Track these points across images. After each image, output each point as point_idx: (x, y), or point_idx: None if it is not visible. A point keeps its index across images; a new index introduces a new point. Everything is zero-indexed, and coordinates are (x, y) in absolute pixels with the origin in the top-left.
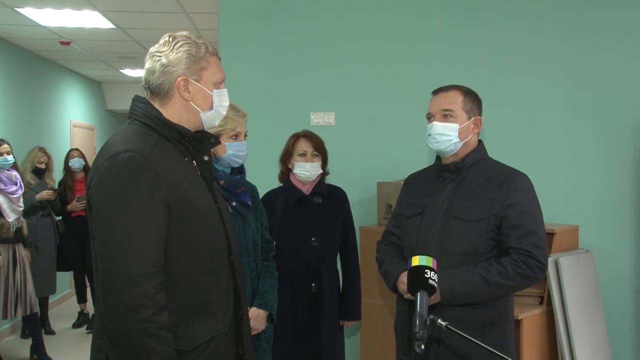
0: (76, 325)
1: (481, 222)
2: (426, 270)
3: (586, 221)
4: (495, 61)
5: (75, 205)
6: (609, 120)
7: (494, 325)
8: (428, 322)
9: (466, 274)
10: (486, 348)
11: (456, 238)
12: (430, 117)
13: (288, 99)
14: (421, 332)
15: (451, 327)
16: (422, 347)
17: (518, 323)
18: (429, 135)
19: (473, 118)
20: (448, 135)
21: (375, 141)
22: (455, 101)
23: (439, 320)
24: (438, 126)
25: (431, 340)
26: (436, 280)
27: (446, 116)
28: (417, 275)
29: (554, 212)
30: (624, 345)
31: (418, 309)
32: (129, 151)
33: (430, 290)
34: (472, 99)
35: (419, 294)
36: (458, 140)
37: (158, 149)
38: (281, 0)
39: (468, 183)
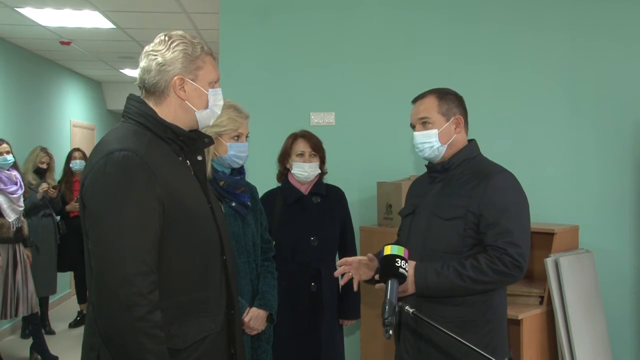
0: (73, 324)
1: (457, 220)
2: (397, 259)
3: (586, 221)
4: (496, 60)
5: (74, 206)
6: (609, 120)
7: (476, 323)
8: (397, 309)
9: (441, 267)
10: (461, 341)
11: (436, 236)
12: (413, 128)
13: (288, 98)
14: (390, 318)
15: (417, 314)
16: (390, 332)
17: (518, 323)
18: (414, 145)
19: (452, 118)
20: (429, 142)
21: (376, 141)
22: (430, 107)
23: (407, 307)
24: (418, 135)
25: (414, 335)
26: (407, 269)
27: (424, 124)
28: (388, 264)
29: (554, 212)
30: (624, 345)
31: (388, 296)
32: (123, 150)
33: (401, 278)
34: (449, 100)
35: (389, 281)
36: (440, 144)
37: (152, 148)
38: (281, 0)
39: (454, 182)
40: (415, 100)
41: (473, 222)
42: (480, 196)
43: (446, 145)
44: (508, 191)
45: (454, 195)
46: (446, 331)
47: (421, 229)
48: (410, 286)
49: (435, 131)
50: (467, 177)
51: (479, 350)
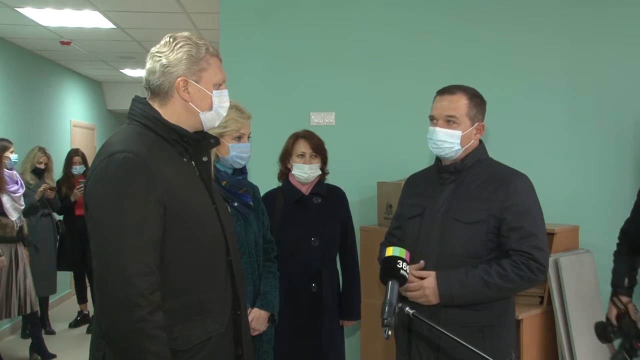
0: (73, 325)
1: (480, 224)
2: (398, 261)
3: (586, 221)
4: (496, 61)
5: (76, 194)
6: (609, 120)
7: (494, 328)
8: (396, 310)
9: (465, 276)
10: (473, 349)
11: (455, 240)
12: (433, 120)
13: (288, 98)
14: (389, 318)
15: (418, 315)
16: (389, 332)
17: (518, 323)
18: (430, 139)
19: (476, 124)
20: (450, 142)
21: (375, 141)
22: (460, 107)
23: (407, 309)
24: (440, 132)
25: (431, 345)
26: (407, 271)
27: (449, 122)
28: (390, 265)
29: (554, 212)
30: None
31: (388, 297)
32: (124, 151)
33: (402, 280)
34: (477, 103)
35: (390, 282)
36: (460, 147)
37: (155, 149)
38: (281, 0)
39: (468, 184)
40: (442, 93)
41: (494, 226)
42: (502, 200)
43: (463, 149)
44: (528, 194)
45: (473, 198)
46: (450, 335)
47: (435, 232)
48: (433, 297)
49: (459, 133)
50: (482, 180)
51: (487, 357)
